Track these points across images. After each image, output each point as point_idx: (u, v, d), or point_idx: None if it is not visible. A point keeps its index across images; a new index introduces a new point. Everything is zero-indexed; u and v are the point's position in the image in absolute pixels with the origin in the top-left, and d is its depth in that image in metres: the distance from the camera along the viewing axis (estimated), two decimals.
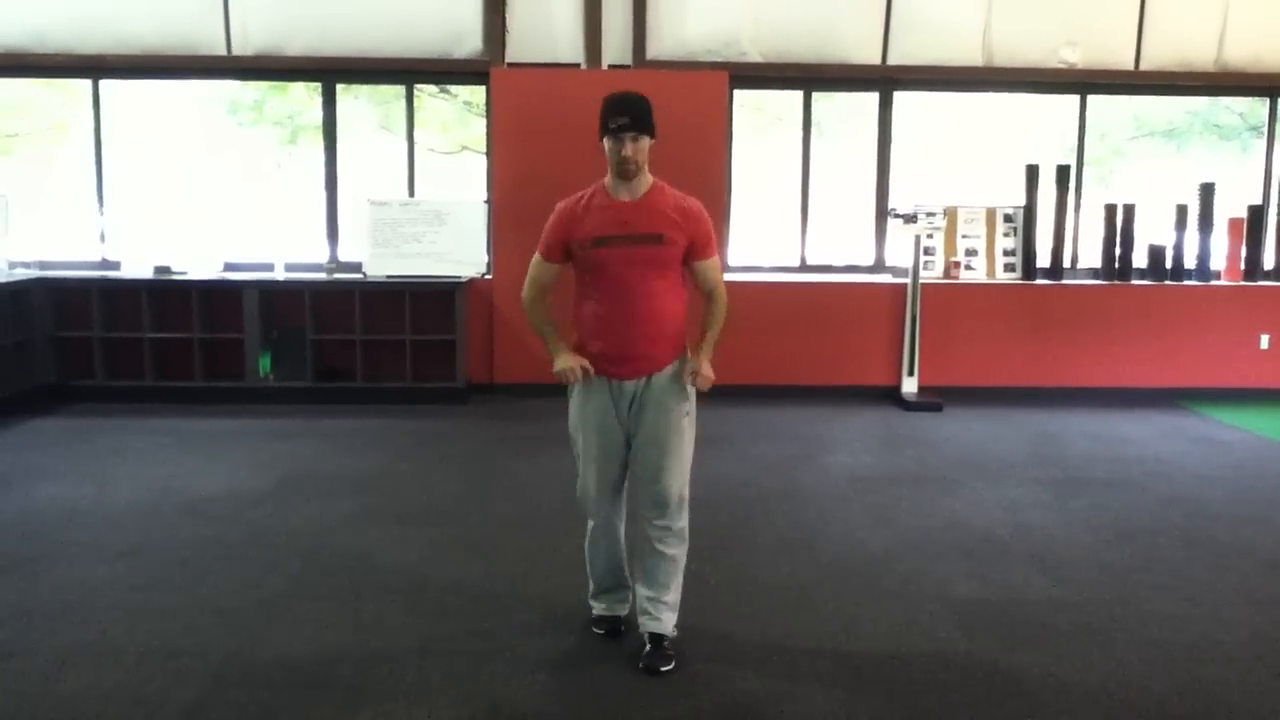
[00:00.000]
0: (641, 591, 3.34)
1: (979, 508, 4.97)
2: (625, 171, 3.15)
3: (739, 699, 3.07)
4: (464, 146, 8.47)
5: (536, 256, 3.32)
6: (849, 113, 8.37)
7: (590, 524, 3.43)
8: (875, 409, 7.20)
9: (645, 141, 3.16)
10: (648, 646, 3.28)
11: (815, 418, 6.88)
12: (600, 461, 3.30)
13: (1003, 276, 7.76)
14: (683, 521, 3.31)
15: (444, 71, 7.76)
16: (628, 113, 3.12)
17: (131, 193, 7.81)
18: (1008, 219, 7.80)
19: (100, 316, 7.09)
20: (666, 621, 3.30)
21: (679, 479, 3.26)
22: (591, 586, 3.54)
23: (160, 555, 4.20)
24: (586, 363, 3.22)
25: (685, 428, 3.27)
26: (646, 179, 3.21)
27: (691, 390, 3.29)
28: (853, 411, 7.09)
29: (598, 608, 3.53)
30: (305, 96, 8.15)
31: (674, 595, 3.33)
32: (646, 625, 3.30)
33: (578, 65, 7.54)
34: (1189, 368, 7.62)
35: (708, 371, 3.25)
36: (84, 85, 7.64)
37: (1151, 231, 7.81)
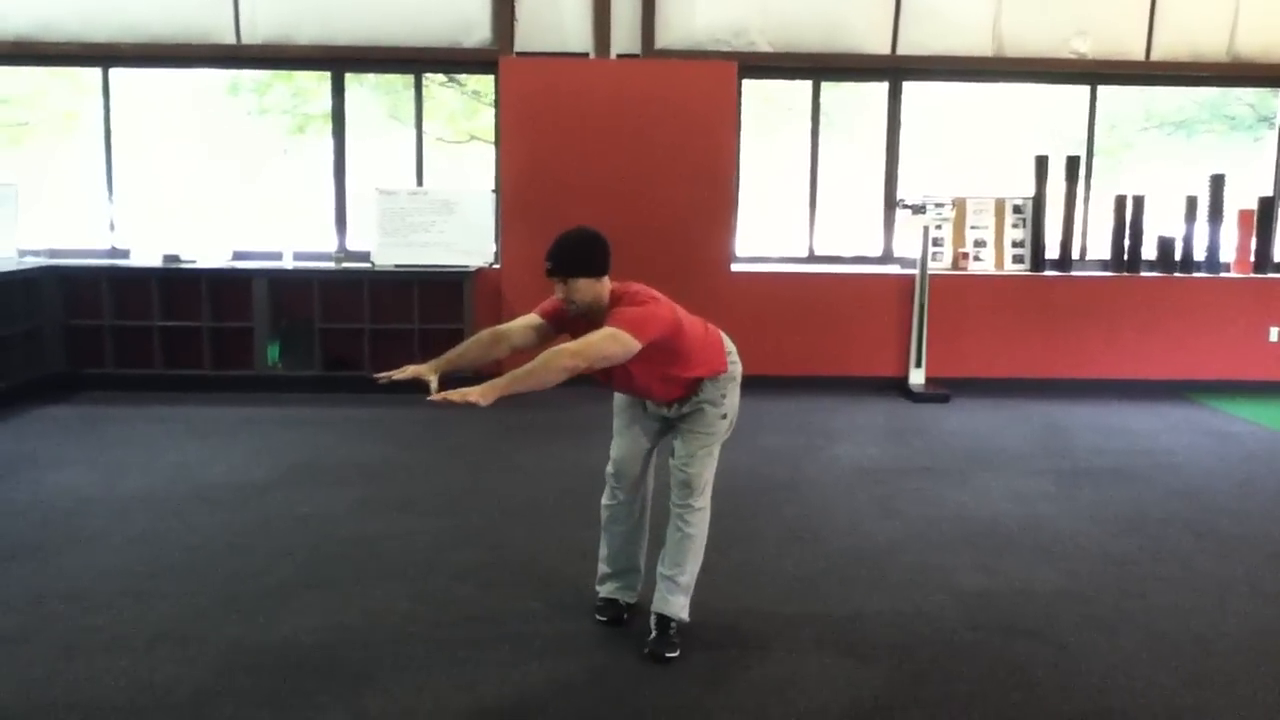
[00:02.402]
0: (659, 570, 3.38)
1: (986, 499, 4.97)
2: (572, 310, 3.16)
3: (744, 687, 3.08)
4: (472, 136, 8.47)
5: (534, 315, 3.26)
6: (858, 106, 8.34)
7: (607, 500, 3.49)
8: (882, 400, 7.19)
9: (580, 282, 3.08)
10: (653, 633, 3.30)
11: (822, 408, 6.88)
12: (627, 434, 3.44)
13: (1011, 268, 7.74)
14: (703, 502, 3.36)
15: (453, 61, 7.76)
16: (553, 257, 3.10)
17: (141, 182, 7.83)
18: (1016, 210, 7.77)
19: (110, 305, 7.12)
20: (673, 603, 3.31)
21: (706, 467, 3.34)
22: (601, 569, 3.56)
23: (169, 542, 4.22)
24: (410, 374, 3.05)
25: (720, 427, 3.35)
26: (604, 303, 3.12)
27: (726, 400, 3.33)
28: (860, 402, 7.09)
29: (604, 591, 3.55)
30: (312, 84, 8.14)
31: (686, 578, 3.35)
32: (655, 604, 3.34)
33: (586, 55, 7.53)
34: (1198, 360, 7.59)
35: (466, 395, 2.75)
36: (93, 74, 7.65)
37: (1161, 223, 7.77)
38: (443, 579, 3.88)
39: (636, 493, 3.47)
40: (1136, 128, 8.72)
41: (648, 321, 3.02)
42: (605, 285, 3.14)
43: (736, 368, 3.40)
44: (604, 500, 3.52)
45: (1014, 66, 7.70)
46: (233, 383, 7.17)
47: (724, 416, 3.34)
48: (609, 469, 3.49)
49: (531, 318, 3.26)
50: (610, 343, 2.95)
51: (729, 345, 3.41)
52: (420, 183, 7.76)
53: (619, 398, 3.47)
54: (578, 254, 3.12)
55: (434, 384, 2.96)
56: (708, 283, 7.03)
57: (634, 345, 2.96)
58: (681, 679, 3.12)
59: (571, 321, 3.24)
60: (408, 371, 3.05)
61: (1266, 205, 7.75)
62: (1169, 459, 5.75)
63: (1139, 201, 7.65)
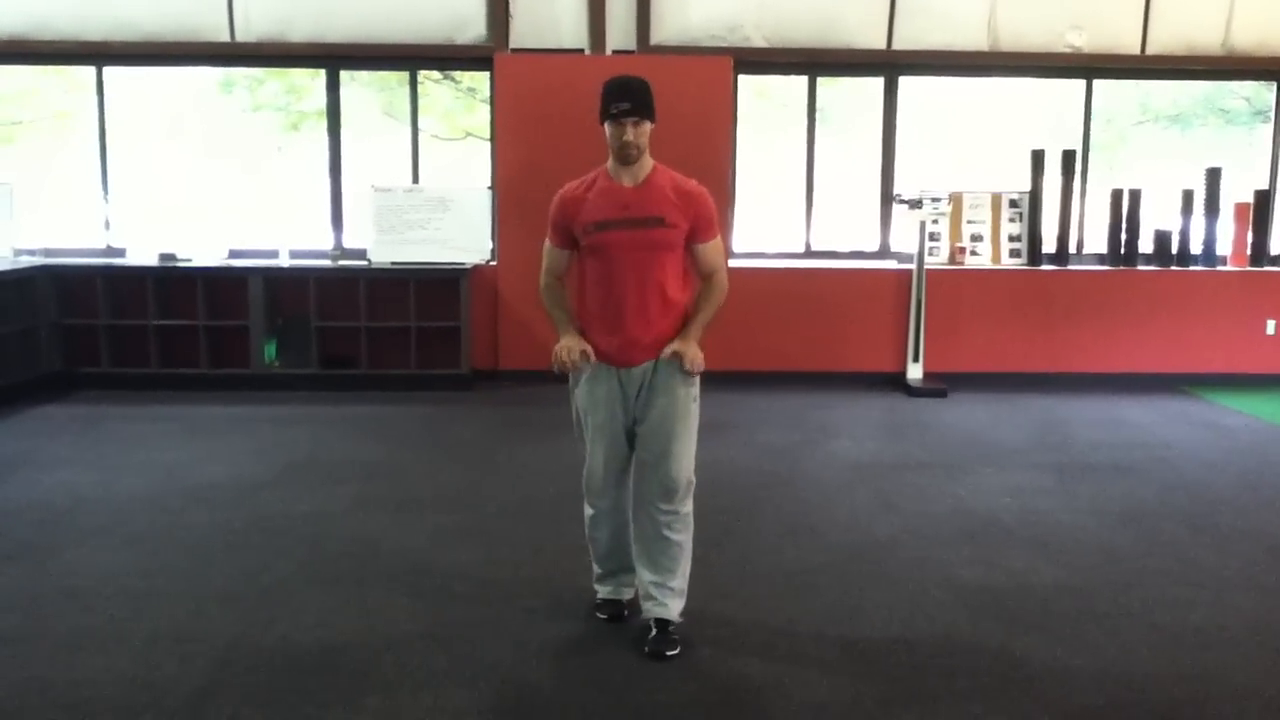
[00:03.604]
0: (647, 577, 3.33)
1: (984, 493, 4.97)
2: (627, 156, 3.16)
3: (743, 684, 3.08)
4: (468, 133, 8.45)
5: (547, 244, 3.36)
6: (855, 103, 8.33)
7: (590, 510, 3.44)
8: (880, 395, 7.20)
9: (646, 126, 3.17)
10: (653, 631, 3.28)
11: (820, 404, 6.88)
12: (610, 446, 3.31)
13: (1008, 262, 7.74)
14: (689, 506, 3.32)
15: (448, 58, 7.74)
16: (629, 97, 3.12)
17: (136, 180, 7.81)
18: (1013, 204, 7.77)
19: (106, 304, 7.10)
20: (673, 607, 3.30)
21: (687, 464, 3.27)
22: (597, 570, 3.54)
23: (166, 541, 4.21)
24: (588, 347, 3.24)
25: (692, 412, 3.29)
26: (647, 162, 3.23)
27: (694, 376, 3.29)
28: (858, 397, 7.09)
29: (603, 591, 3.53)
30: (305, 81, 8.12)
31: (680, 581, 3.33)
32: (652, 610, 3.30)
33: (582, 51, 7.52)
34: (1195, 353, 7.60)
35: (694, 353, 3.21)
36: (88, 72, 7.63)
37: (1157, 217, 7.77)
38: (442, 577, 3.88)
39: (617, 495, 3.39)
40: (1132, 121, 8.72)
41: (716, 221, 3.32)
42: None
43: None
44: (586, 510, 3.45)
45: (1009, 61, 7.70)
46: (229, 381, 7.15)
47: (695, 400, 3.30)
48: (587, 480, 3.38)
49: (554, 251, 3.33)
50: (721, 255, 3.34)
51: None
52: (416, 180, 7.74)
53: (590, 396, 3.28)
54: (649, 96, 3.18)
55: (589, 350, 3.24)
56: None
57: None
58: (681, 676, 3.12)
59: (573, 233, 3.25)
60: (584, 347, 3.23)
61: (1262, 198, 7.76)
62: (1166, 452, 5.75)
63: (1135, 195, 7.65)
